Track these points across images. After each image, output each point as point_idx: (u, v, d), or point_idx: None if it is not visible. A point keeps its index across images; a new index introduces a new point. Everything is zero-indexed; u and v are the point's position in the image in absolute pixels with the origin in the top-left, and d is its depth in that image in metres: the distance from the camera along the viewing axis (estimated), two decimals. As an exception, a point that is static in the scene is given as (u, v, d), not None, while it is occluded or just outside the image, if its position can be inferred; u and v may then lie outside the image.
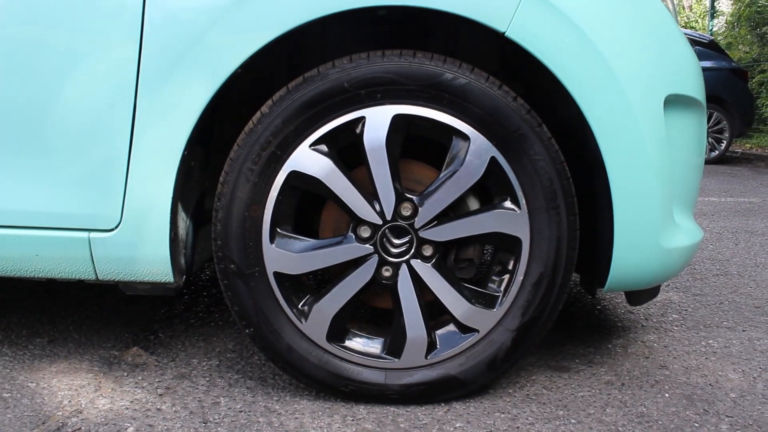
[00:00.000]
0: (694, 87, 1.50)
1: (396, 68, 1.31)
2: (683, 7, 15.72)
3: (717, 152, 7.89)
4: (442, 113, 1.32)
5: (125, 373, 1.57)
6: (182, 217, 1.43)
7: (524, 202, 1.34)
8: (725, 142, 7.94)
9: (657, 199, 1.39)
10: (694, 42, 7.79)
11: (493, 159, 1.33)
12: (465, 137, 1.33)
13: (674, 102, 1.42)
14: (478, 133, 1.32)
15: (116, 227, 1.37)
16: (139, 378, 1.55)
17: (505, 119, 1.32)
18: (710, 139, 7.81)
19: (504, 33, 1.29)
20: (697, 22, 14.88)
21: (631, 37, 1.37)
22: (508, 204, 1.35)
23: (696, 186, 1.61)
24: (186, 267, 1.46)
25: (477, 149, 1.32)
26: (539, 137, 1.33)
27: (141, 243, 1.37)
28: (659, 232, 1.40)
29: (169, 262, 1.38)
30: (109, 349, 1.72)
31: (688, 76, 1.48)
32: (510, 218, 1.35)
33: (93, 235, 1.38)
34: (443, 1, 1.28)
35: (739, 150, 9.80)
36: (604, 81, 1.32)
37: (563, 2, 1.30)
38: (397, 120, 1.32)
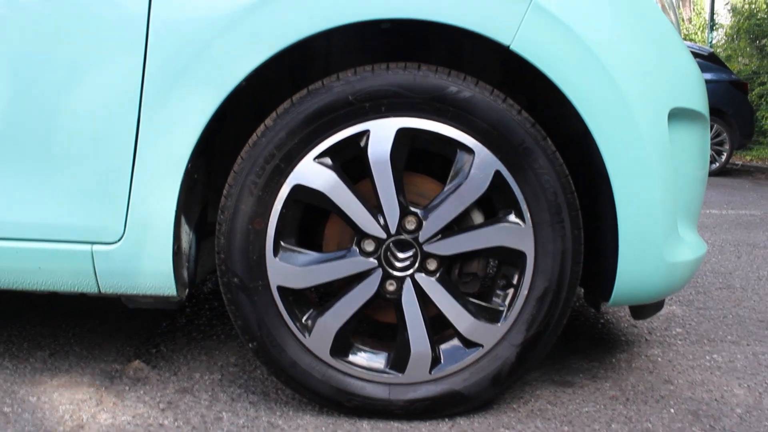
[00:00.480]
0: (698, 100, 1.50)
1: (400, 81, 1.31)
2: (682, 20, 15.80)
3: (717, 164, 7.90)
4: (447, 126, 1.32)
5: (127, 387, 1.56)
6: (185, 229, 1.42)
7: (529, 216, 1.34)
8: (725, 154, 7.94)
9: (661, 213, 1.38)
10: (694, 54, 7.78)
11: (497, 173, 1.32)
12: (469, 150, 1.32)
13: (678, 115, 1.42)
14: (483, 147, 1.32)
15: (119, 240, 1.36)
16: (141, 392, 1.54)
17: (509, 133, 1.32)
18: (711, 152, 7.81)
19: (509, 46, 1.29)
20: (696, 34, 14.97)
21: (636, 51, 1.37)
22: (512, 218, 1.35)
23: (700, 199, 1.61)
24: (189, 280, 1.46)
25: (481, 163, 1.32)
26: (544, 151, 1.33)
27: (144, 256, 1.36)
28: (664, 246, 1.40)
29: (172, 275, 1.38)
30: (110, 362, 1.71)
31: (692, 90, 1.48)
32: (514, 232, 1.34)
33: (96, 247, 1.37)
34: (448, 15, 1.28)
35: (740, 162, 9.82)
36: (608, 95, 1.31)
37: (567, 16, 1.30)
38: (402, 133, 1.31)
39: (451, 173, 1.35)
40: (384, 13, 1.29)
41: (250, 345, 1.39)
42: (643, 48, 1.39)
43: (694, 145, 1.52)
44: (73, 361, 1.71)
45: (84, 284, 1.41)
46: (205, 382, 1.60)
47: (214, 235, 1.40)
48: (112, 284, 1.40)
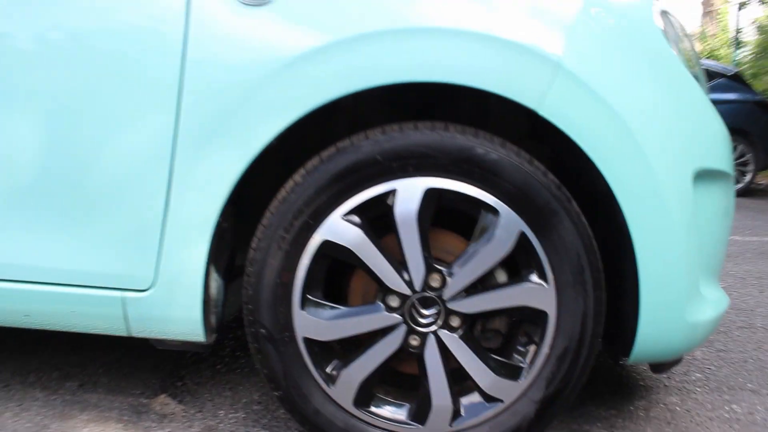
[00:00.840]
0: (722, 159, 1.51)
1: (428, 142, 1.34)
2: (706, 36, 15.59)
3: (741, 184, 7.83)
4: (473, 187, 1.34)
5: (154, 424, 1.60)
6: (214, 277, 1.46)
7: (552, 276, 1.36)
8: (750, 174, 7.88)
9: (684, 273, 1.40)
10: (718, 74, 7.77)
11: (521, 233, 1.35)
12: (494, 211, 1.35)
13: (702, 175, 1.44)
14: (508, 208, 1.34)
15: (150, 288, 1.40)
16: (167, 429, 1.58)
17: (535, 195, 1.34)
18: (734, 172, 7.76)
19: (537, 111, 1.32)
20: (720, 50, 14.83)
21: (663, 115, 1.38)
22: (535, 278, 1.37)
23: (723, 252, 1.62)
24: (216, 324, 1.49)
25: (506, 224, 1.34)
26: (568, 213, 1.35)
27: (174, 304, 1.41)
28: (685, 306, 1.41)
29: (201, 322, 1.42)
30: (137, 396, 1.75)
31: (717, 150, 1.49)
32: (537, 293, 1.37)
33: (127, 294, 1.41)
34: (479, 80, 1.31)
35: (764, 182, 9.70)
36: (633, 160, 1.33)
37: (595, 81, 1.32)
38: (429, 193, 1.34)
39: (476, 232, 1.37)
40: (414, 76, 1.32)
41: (275, 393, 1.43)
42: (670, 111, 1.40)
43: (718, 202, 1.53)
44: (101, 393, 1.76)
45: (115, 328, 1.45)
46: (230, 421, 1.64)
47: (241, 276, 1.44)
48: (142, 329, 1.44)
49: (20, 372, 1.86)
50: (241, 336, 2.24)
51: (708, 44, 14.92)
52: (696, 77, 1.57)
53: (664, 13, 1.54)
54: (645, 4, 1.47)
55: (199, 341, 1.45)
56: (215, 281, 1.47)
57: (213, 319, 1.47)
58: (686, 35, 1.63)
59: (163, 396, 1.74)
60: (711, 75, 7.77)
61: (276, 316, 1.39)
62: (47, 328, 1.48)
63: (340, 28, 1.32)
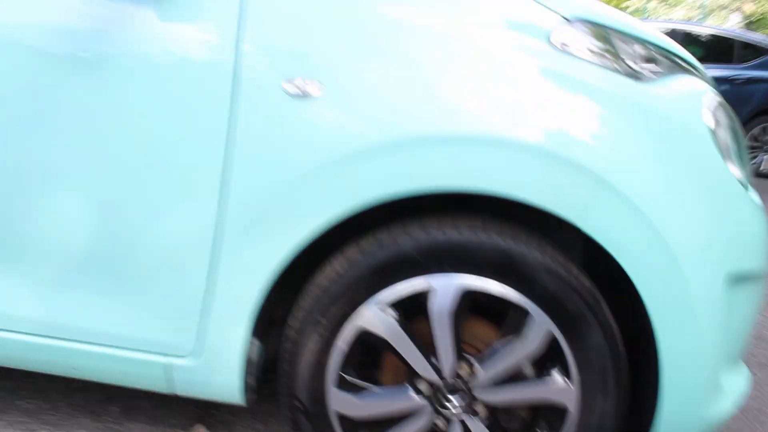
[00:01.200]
0: (758, 261, 1.52)
1: (465, 241, 1.38)
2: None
3: (773, 163, 7.70)
4: (507, 287, 1.39)
5: (190, 461, 1.72)
6: (254, 343, 1.53)
7: (577, 376, 1.41)
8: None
9: (707, 374, 1.44)
10: (761, 51, 7.48)
11: (551, 334, 1.39)
12: (526, 312, 1.39)
13: (735, 276, 1.46)
14: (540, 310, 1.39)
15: (192, 356, 1.48)
16: (203, 469, 1.69)
17: (567, 300, 1.38)
18: (765, 155, 7.62)
19: (577, 225, 1.34)
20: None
21: (702, 225, 1.39)
22: (560, 377, 1.42)
23: (747, 335, 1.65)
24: (255, 384, 1.58)
25: (537, 325, 1.39)
26: (598, 319, 1.39)
27: (215, 372, 1.49)
28: (704, 406, 1.46)
29: (241, 388, 1.50)
30: (175, 426, 1.86)
31: (753, 252, 1.51)
32: (561, 390, 1.42)
33: (170, 359, 1.50)
34: (520, 191, 1.34)
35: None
36: (668, 274, 1.36)
37: (638, 196, 1.34)
38: (463, 293, 1.39)
39: (506, 328, 1.43)
40: (454, 184, 1.34)
41: (306, 458, 1.52)
42: (708, 220, 1.41)
43: (749, 299, 1.55)
44: (142, 421, 1.87)
45: (159, 386, 1.54)
46: (261, 461, 1.75)
47: (277, 326, 1.51)
48: (184, 390, 1.53)
49: (66, 391, 1.98)
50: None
51: (761, 6, 14.23)
52: (741, 167, 1.57)
53: (718, 106, 1.52)
54: (694, 105, 1.46)
55: (238, 403, 1.54)
56: (254, 345, 1.54)
57: (252, 380, 1.55)
58: (737, 125, 1.61)
59: (199, 428, 1.85)
60: (759, 51, 7.50)
61: (311, 391, 1.46)
62: (93, 380, 1.58)
63: (385, 130, 1.34)
